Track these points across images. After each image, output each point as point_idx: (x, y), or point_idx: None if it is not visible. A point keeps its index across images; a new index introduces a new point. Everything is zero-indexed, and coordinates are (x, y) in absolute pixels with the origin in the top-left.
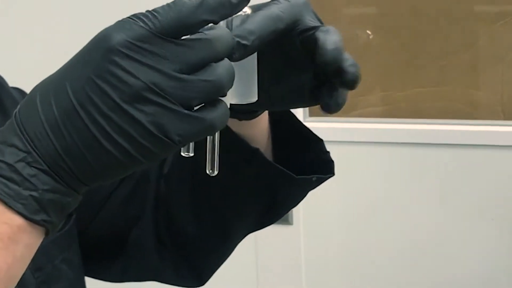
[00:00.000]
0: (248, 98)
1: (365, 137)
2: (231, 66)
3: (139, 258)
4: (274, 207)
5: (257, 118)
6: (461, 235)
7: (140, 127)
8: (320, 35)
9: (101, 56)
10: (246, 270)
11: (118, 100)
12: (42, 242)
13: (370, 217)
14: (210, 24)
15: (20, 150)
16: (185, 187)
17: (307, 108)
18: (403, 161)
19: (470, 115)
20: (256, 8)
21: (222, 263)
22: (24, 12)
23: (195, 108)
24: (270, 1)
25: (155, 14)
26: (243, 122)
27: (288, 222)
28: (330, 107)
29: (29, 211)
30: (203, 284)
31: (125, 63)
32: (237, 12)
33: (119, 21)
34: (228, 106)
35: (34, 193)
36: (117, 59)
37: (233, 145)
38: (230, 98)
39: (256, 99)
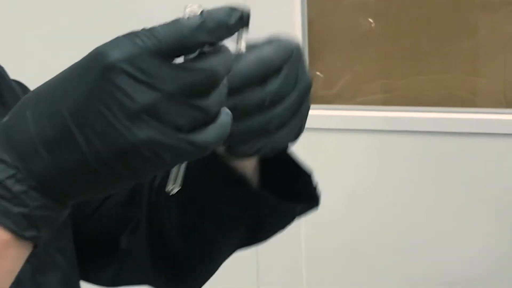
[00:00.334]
0: None
1: (365, 125)
2: (225, 92)
3: (132, 263)
4: (258, 230)
5: None
6: (461, 224)
7: (134, 149)
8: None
9: (99, 75)
10: (246, 261)
11: (114, 121)
12: None
13: (370, 205)
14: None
15: (10, 166)
16: (173, 203)
17: None
18: (403, 150)
19: (472, 103)
20: (250, 46)
21: (210, 276)
22: (24, 7)
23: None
24: (265, 41)
25: (154, 33)
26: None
27: None
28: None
29: (19, 228)
30: None
31: (122, 83)
32: (234, 33)
33: (117, 38)
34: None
35: (24, 210)
36: (115, 79)
37: (219, 167)
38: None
39: None
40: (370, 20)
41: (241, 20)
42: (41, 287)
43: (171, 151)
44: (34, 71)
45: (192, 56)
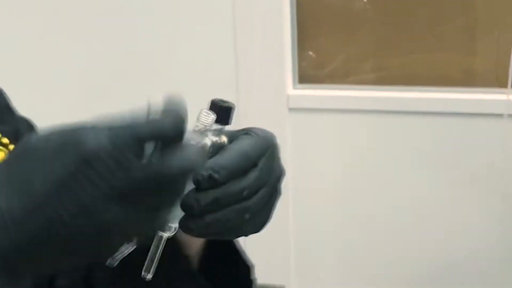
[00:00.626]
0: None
1: (358, 105)
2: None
3: None
4: None
5: None
6: (453, 203)
7: (105, 229)
8: None
9: (76, 160)
10: None
11: (87, 202)
12: None
13: (361, 185)
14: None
15: None
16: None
17: (296, 75)
18: (396, 130)
19: (465, 83)
20: (230, 136)
21: None
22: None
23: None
24: (243, 132)
25: (130, 125)
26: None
27: None
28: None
29: None
30: None
31: (97, 168)
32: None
33: (94, 127)
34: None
35: None
36: (90, 164)
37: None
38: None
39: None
40: None
41: (225, 117)
42: None
43: (139, 233)
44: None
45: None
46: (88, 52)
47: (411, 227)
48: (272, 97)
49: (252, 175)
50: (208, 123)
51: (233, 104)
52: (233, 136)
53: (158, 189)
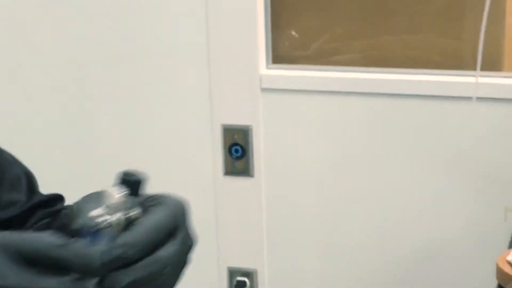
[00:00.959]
0: None
1: (330, 86)
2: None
3: None
4: None
5: None
6: (420, 186)
7: None
8: None
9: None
10: (205, 225)
11: None
12: None
13: (335, 168)
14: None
15: None
16: None
17: (269, 55)
18: (365, 112)
19: (435, 65)
20: (143, 205)
21: None
22: None
23: None
24: (155, 202)
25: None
26: None
27: (249, 174)
28: None
29: None
30: None
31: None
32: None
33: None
34: None
35: None
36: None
37: None
38: None
39: None
40: None
41: (135, 189)
42: None
43: None
44: None
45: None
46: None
47: (382, 210)
48: (245, 77)
49: (171, 249)
50: (118, 199)
51: (143, 176)
52: (146, 206)
53: None
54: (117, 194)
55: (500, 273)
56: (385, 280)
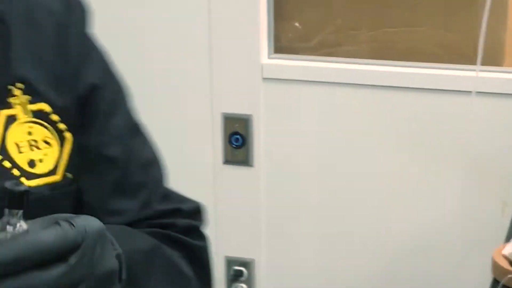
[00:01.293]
0: None
1: (330, 77)
2: None
3: None
4: None
5: None
6: (420, 180)
7: None
8: None
9: None
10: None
11: None
12: None
13: (334, 158)
14: None
15: None
16: None
17: (271, 45)
18: (370, 104)
19: (442, 59)
20: (37, 222)
21: None
22: None
23: None
24: (53, 221)
25: None
26: None
27: (248, 164)
28: None
29: None
30: None
31: None
32: None
33: None
34: None
35: None
36: None
37: None
38: None
39: None
40: None
41: (18, 202)
42: None
43: None
44: None
45: None
46: None
47: (379, 201)
48: (246, 66)
49: (54, 272)
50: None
51: (27, 188)
52: (38, 224)
53: None
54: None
55: (495, 267)
56: (382, 271)
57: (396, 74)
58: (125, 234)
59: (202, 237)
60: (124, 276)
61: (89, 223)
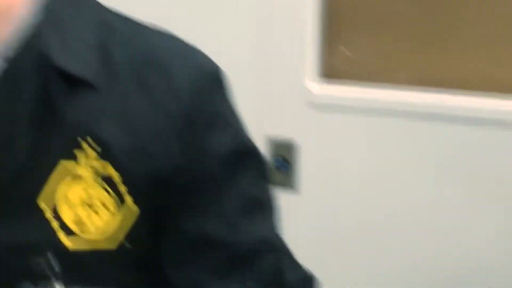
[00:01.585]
0: None
1: (380, 105)
2: None
3: None
4: None
5: None
6: (472, 213)
7: None
8: None
9: None
10: None
11: None
12: None
13: (382, 189)
14: None
15: None
16: None
17: (319, 70)
18: (420, 134)
19: (496, 89)
20: None
21: None
22: None
23: None
24: None
25: None
26: None
27: (291, 188)
28: None
29: None
30: None
31: None
32: None
33: None
34: None
35: None
36: None
37: None
38: None
39: None
40: None
41: None
42: None
43: None
44: None
45: None
46: None
47: (421, 232)
48: (292, 91)
49: None
50: None
51: None
52: None
53: None
54: None
55: None
56: None
57: (448, 105)
58: None
59: None
60: None
61: None
